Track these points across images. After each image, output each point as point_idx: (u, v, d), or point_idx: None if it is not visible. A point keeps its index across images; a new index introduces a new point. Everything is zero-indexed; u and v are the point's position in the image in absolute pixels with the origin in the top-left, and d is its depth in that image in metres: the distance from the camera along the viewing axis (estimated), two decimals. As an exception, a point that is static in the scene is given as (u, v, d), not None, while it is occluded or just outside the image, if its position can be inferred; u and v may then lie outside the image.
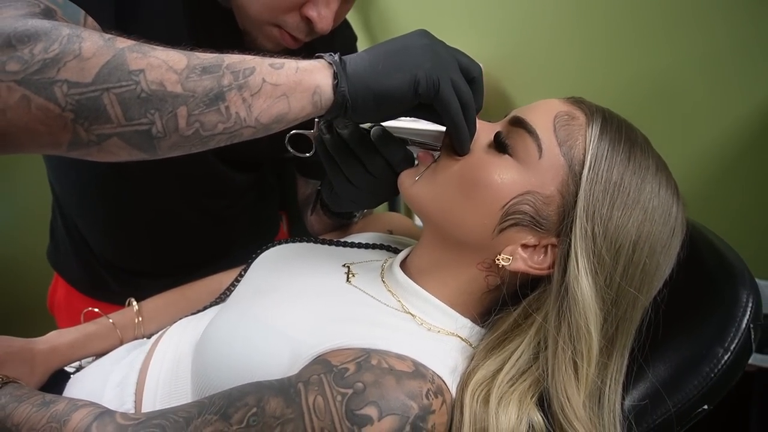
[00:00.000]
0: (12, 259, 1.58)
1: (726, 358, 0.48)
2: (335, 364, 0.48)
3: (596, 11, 1.60)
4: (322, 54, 0.48)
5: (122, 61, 0.40)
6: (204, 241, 0.89)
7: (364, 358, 0.48)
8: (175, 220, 0.84)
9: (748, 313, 0.50)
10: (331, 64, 0.47)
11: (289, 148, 0.61)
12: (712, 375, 0.48)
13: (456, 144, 0.54)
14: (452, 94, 0.49)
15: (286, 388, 0.47)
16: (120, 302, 0.78)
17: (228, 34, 0.67)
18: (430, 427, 0.46)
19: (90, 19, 0.54)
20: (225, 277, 0.80)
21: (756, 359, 1.32)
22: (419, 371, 0.49)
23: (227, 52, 0.45)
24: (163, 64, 0.41)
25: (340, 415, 0.44)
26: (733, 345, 0.49)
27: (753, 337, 0.49)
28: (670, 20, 1.52)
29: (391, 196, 0.61)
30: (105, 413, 0.51)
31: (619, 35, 1.58)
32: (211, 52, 0.44)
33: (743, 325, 0.49)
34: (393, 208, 1.49)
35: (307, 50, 0.61)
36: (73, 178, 0.82)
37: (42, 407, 0.53)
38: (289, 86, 0.44)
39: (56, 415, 0.51)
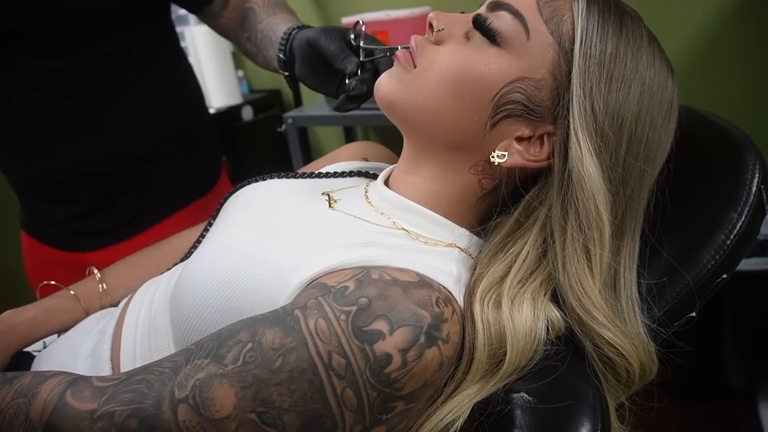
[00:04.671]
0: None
1: (741, 223, 0.46)
2: (332, 285, 0.43)
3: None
4: None
5: None
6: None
7: (364, 273, 0.44)
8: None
9: (757, 175, 0.47)
10: None
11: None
12: (728, 242, 0.46)
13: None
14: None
15: (281, 318, 0.42)
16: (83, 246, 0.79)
17: None
18: (445, 336, 0.42)
19: None
20: (192, 233, 0.74)
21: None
22: (424, 281, 0.45)
23: None
24: None
25: (347, 335, 0.40)
26: (746, 209, 0.47)
27: (765, 198, 0.47)
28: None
29: None
30: (79, 379, 0.45)
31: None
32: None
33: (754, 188, 0.47)
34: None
35: None
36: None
37: (4, 385, 0.46)
38: None
39: (22, 390, 0.45)
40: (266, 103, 1.97)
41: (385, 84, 0.52)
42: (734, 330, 1.44)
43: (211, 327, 0.47)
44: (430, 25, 0.52)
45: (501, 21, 0.48)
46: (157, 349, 0.54)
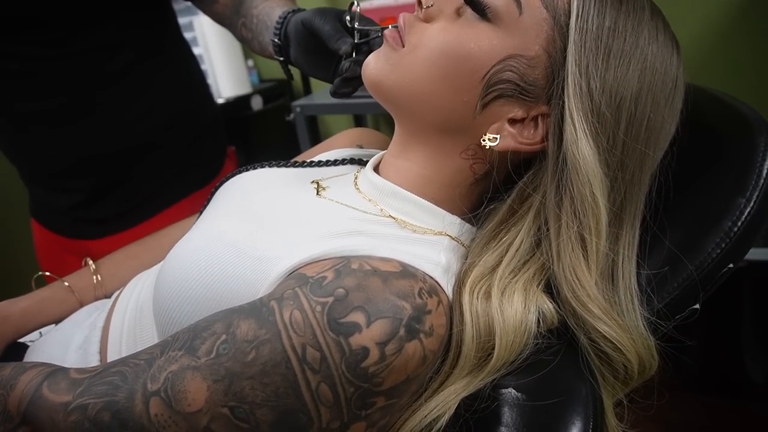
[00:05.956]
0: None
1: (749, 208, 0.43)
2: (311, 276, 0.42)
3: None
4: None
5: None
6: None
7: (344, 263, 0.42)
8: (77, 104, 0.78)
9: (769, 157, 0.44)
10: None
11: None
12: (736, 229, 0.43)
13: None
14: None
15: (257, 309, 0.40)
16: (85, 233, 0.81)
17: None
18: (427, 329, 0.40)
19: None
20: (188, 223, 0.73)
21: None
22: (407, 271, 0.42)
23: None
24: None
25: (322, 327, 0.38)
26: (756, 193, 0.43)
27: (777, 182, 0.43)
28: None
29: None
30: (57, 371, 0.44)
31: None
32: None
33: (765, 171, 0.43)
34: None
35: None
36: None
37: None
38: None
39: (1, 381, 0.44)
40: (276, 92, 1.96)
41: (372, 65, 0.50)
42: (754, 321, 1.39)
43: (191, 319, 0.45)
44: (419, 2, 0.49)
45: None
46: (142, 342, 0.53)
